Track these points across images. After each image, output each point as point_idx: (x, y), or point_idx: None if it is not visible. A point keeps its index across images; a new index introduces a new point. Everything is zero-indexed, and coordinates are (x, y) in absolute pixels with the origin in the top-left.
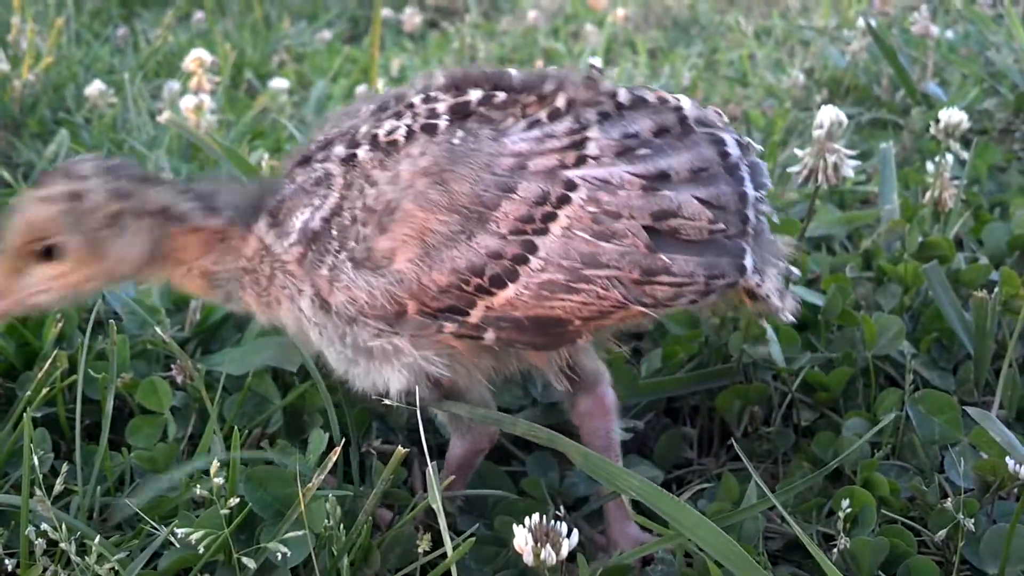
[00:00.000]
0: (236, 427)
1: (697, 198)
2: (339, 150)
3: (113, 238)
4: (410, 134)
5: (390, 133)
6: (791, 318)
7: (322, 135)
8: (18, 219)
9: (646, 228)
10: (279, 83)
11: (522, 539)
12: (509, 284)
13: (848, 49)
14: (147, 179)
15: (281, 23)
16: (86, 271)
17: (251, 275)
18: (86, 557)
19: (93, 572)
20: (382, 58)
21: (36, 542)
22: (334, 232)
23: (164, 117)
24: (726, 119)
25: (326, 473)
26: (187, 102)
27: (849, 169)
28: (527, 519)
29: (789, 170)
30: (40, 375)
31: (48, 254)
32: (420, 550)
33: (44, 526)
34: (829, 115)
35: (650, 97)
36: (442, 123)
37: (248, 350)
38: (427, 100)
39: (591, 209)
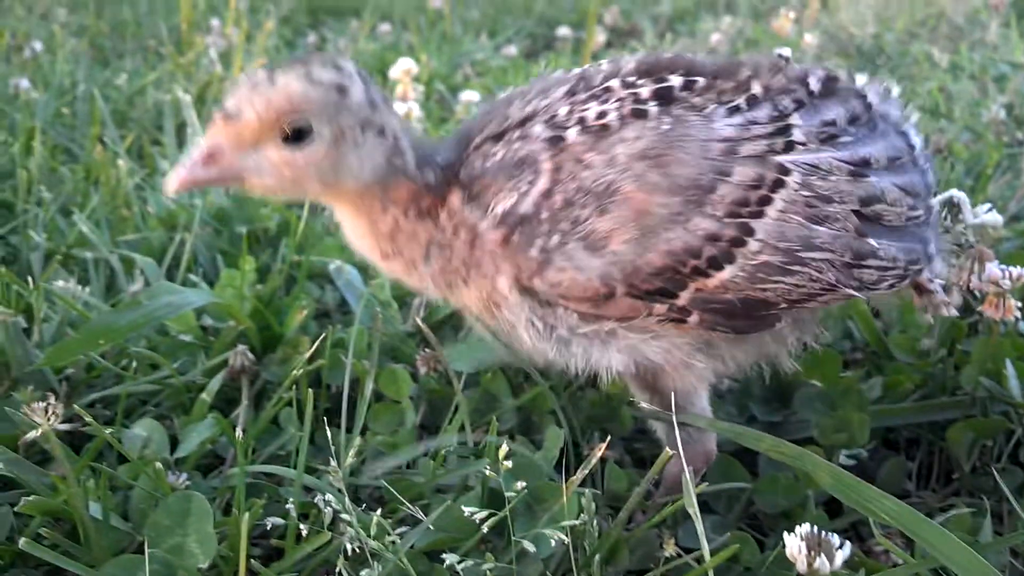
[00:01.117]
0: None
1: (896, 185)
2: (540, 130)
3: (356, 146)
4: (622, 118)
5: (600, 117)
6: (955, 312)
7: (507, 113)
8: (275, 89)
9: (854, 213)
10: (470, 95)
11: (795, 547)
12: (726, 266)
13: None
14: (388, 102)
15: (464, 38)
16: (319, 169)
17: (441, 247)
18: (362, 530)
19: (366, 545)
20: None
21: (325, 511)
22: (544, 215)
23: None
24: (904, 109)
25: (585, 471)
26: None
27: None
28: (798, 528)
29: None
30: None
31: (295, 138)
32: (667, 553)
33: (329, 497)
34: None
35: (843, 84)
36: (652, 108)
37: (473, 348)
38: (626, 85)
39: (805, 193)
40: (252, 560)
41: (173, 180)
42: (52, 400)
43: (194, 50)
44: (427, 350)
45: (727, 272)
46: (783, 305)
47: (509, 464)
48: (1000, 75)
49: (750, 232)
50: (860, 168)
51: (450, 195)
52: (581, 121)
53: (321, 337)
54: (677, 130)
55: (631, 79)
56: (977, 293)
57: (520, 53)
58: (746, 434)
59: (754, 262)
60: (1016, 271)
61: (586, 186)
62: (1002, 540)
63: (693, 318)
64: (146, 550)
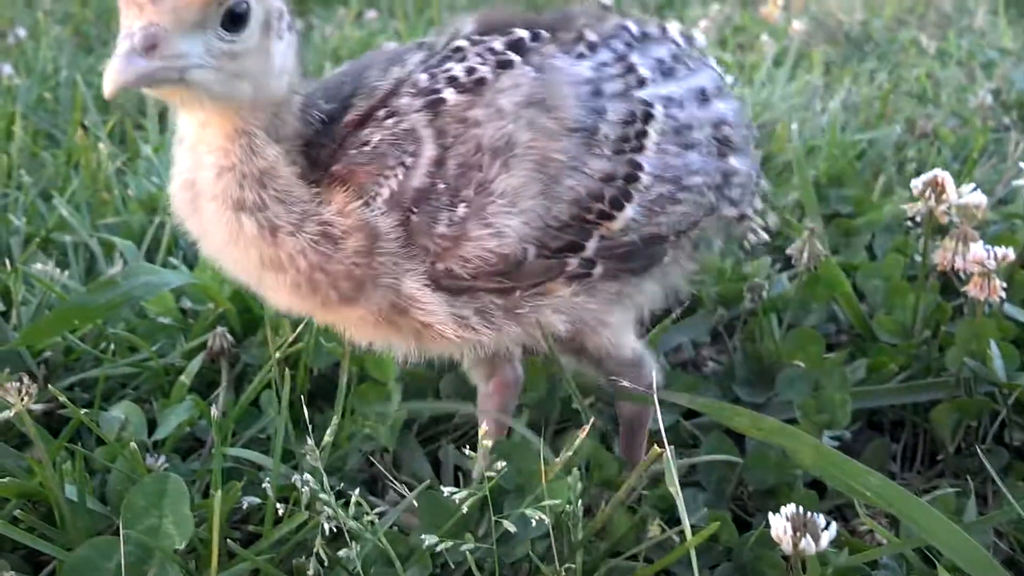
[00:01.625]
0: None
1: (731, 109)
2: (409, 101)
3: (277, 38)
4: (494, 69)
5: (471, 72)
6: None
7: (368, 87)
8: None
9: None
10: None
11: (780, 528)
12: (627, 205)
13: None
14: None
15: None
16: (253, 61)
17: (328, 241)
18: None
19: (344, 524)
20: None
21: (303, 491)
22: (442, 185)
23: None
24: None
25: (569, 452)
26: None
27: None
28: (783, 508)
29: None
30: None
31: (233, 20)
32: (650, 534)
33: (307, 477)
34: None
35: (652, 30)
36: (514, 57)
37: None
38: (475, 43)
39: (671, 123)
40: (230, 541)
41: (110, 78)
42: (27, 380)
43: None
44: None
45: (629, 211)
46: (672, 237)
47: (489, 444)
48: (988, 61)
49: (639, 167)
50: (702, 96)
51: (331, 189)
52: (452, 80)
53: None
54: (548, 75)
55: (477, 37)
56: (962, 274)
57: None
58: (726, 410)
59: (649, 196)
60: (1001, 251)
61: (483, 143)
62: (986, 519)
63: (597, 269)
64: (121, 531)
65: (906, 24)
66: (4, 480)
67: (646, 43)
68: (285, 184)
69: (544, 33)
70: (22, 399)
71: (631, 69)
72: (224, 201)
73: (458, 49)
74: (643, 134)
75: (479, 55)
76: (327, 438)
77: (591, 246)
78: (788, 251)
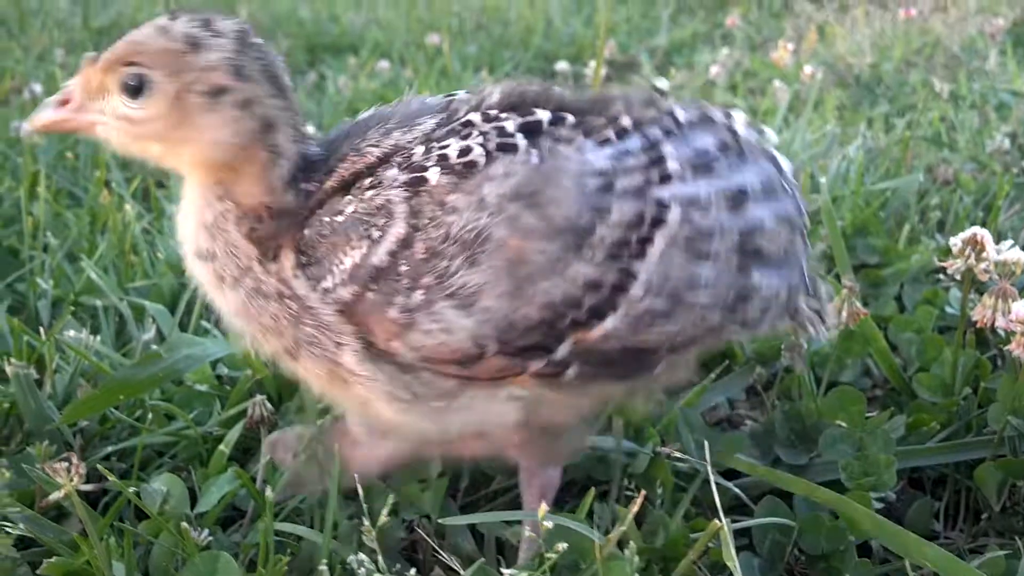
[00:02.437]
0: None
1: (774, 214)
2: (395, 174)
3: (203, 111)
4: (488, 154)
5: (464, 153)
6: (826, 338)
7: (350, 159)
8: (129, 35)
9: (735, 247)
10: None
11: None
12: (608, 315)
13: None
14: (279, 83)
15: (463, 74)
16: (161, 125)
17: (264, 296)
18: None
19: None
20: None
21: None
22: (403, 268)
23: None
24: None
25: (622, 527)
26: None
27: None
28: None
29: None
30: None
31: (135, 90)
32: None
33: (362, 558)
34: None
35: (705, 114)
36: (520, 142)
37: None
38: (488, 119)
39: (686, 230)
40: None
41: (34, 120)
42: (73, 459)
43: None
44: None
45: (609, 322)
46: (663, 352)
47: (549, 525)
48: (1001, 104)
49: (633, 276)
50: (738, 198)
51: (283, 253)
52: (442, 159)
53: None
54: (549, 164)
55: (494, 112)
56: (1001, 331)
57: None
58: (784, 478)
59: (638, 308)
60: None
61: (453, 233)
62: None
63: (571, 371)
64: None
65: (915, 66)
66: (51, 559)
67: (692, 130)
68: (233, 239)
69: (569, 116)
70: (71, 479)
71: (658, 161)
72: (189, 247)
73: (468, 123)
74: (647, 240)
75: (484, 133)
76: (383, 518)
77: (562, 349)
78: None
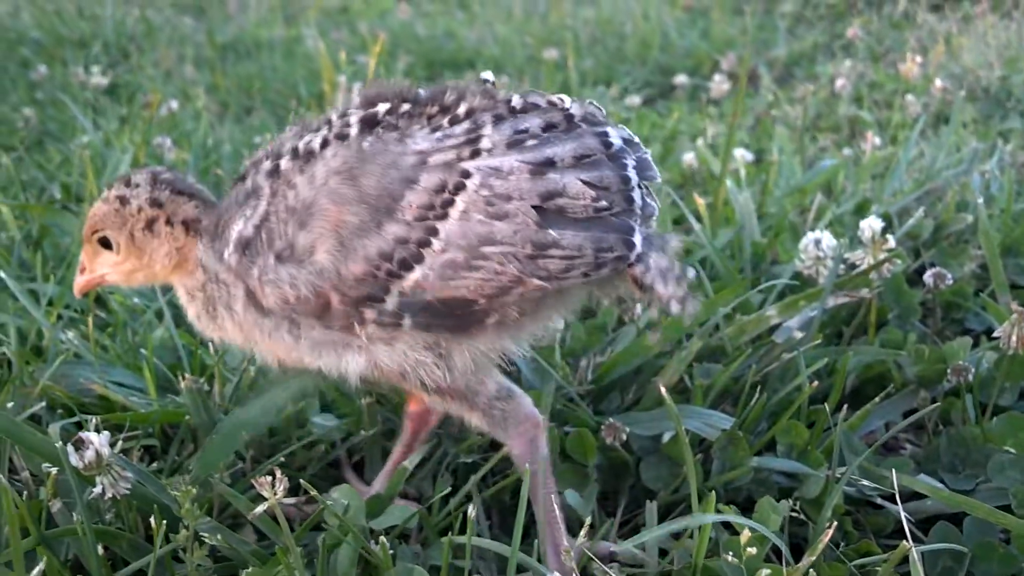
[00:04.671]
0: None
1: (581, 180)
2: (266, 164)
3: (149, 239)
4: (324, 142)
5: (308, 143)
6: (678, 310)
7: (252, 158)
8: (91, 210)
9: (535, 208)
10: None
11: None
12: (415, 266)
13: None
14: (185, 191)
15: (582, 89)
16: (132, 264)
17: (202, 293)
18: None
19: None
20: (689, 125)
21: None
22: (263, 236)
23: None
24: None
25: (812, 557)
26: None
27: None
28: None
29: None
30: None
31: (108, 246)
32: None
33: None
34: None
35: (540, 101)
36: (353, 131)
37: (656, 413)
38: (342, 116)
39: (484, 193)
40: None
41: (75, 288)
42: (277, 473)
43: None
44: (609, 419)
45: (417, 272)
46: (482, 301)
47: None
48: None
49: (435, 232)
50: (542, 168)
51: (199, 243)
52: (294, 150)
53: None
54: (373, 147)
55: (351, 111)
56: None
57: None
58: (968, 503)
59: (440, 260)
60: None
61: (291, 205)
62: None
63: (406, 322)
64: None
65: None
66: (249, 571)
67: (524, 115)
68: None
69: (405, 107)
70: (275, 493)
71: (475, 141)
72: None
73: (328, 122)
74: (449, 203)
75: (331, 127)
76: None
77: (391, 300)
78: (996, 333)
